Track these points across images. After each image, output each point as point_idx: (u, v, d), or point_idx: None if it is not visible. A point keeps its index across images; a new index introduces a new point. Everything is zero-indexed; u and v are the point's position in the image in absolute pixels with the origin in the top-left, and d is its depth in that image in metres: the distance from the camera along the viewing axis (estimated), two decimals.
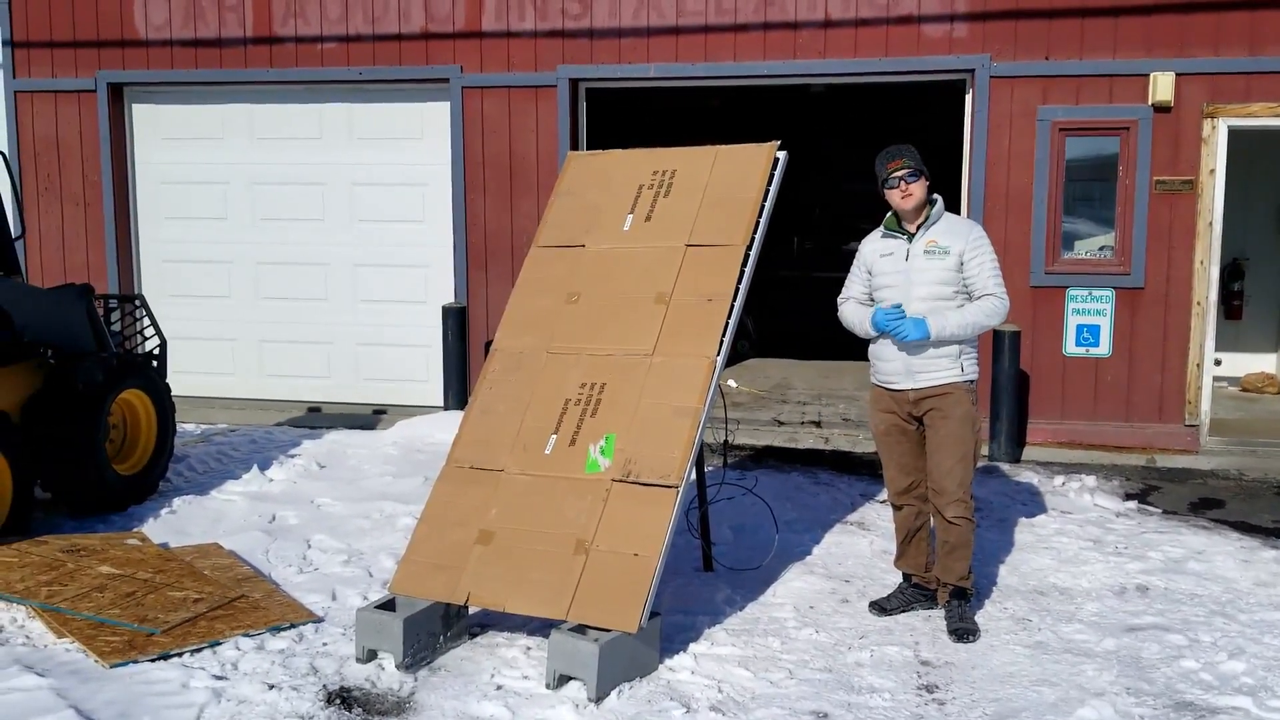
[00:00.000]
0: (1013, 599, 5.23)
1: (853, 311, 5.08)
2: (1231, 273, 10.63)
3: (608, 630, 4.12)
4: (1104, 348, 8.37)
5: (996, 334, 8.12)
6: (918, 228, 4.89)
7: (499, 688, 4.19)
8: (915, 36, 8.45)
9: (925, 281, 4.83)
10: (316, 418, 9.62)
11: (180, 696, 4.06)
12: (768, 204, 5.04)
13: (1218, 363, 10.65)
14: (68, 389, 6.26)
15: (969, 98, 8.49)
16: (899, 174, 4.81)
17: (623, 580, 4.21)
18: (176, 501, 6.71)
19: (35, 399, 6.25)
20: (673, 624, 4.78)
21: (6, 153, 6.57)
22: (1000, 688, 4.26)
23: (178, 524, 6.37)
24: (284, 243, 10.02)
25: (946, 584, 4.92)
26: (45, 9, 9.88)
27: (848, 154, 12.86)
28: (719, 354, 4.69)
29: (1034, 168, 8.32)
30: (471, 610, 4.68)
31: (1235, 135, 8.15)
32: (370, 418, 9.43)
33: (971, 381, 4.93)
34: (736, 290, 4.82)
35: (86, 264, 10.10)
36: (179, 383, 10.16)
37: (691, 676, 4.29)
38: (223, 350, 10.28)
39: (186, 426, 9.06)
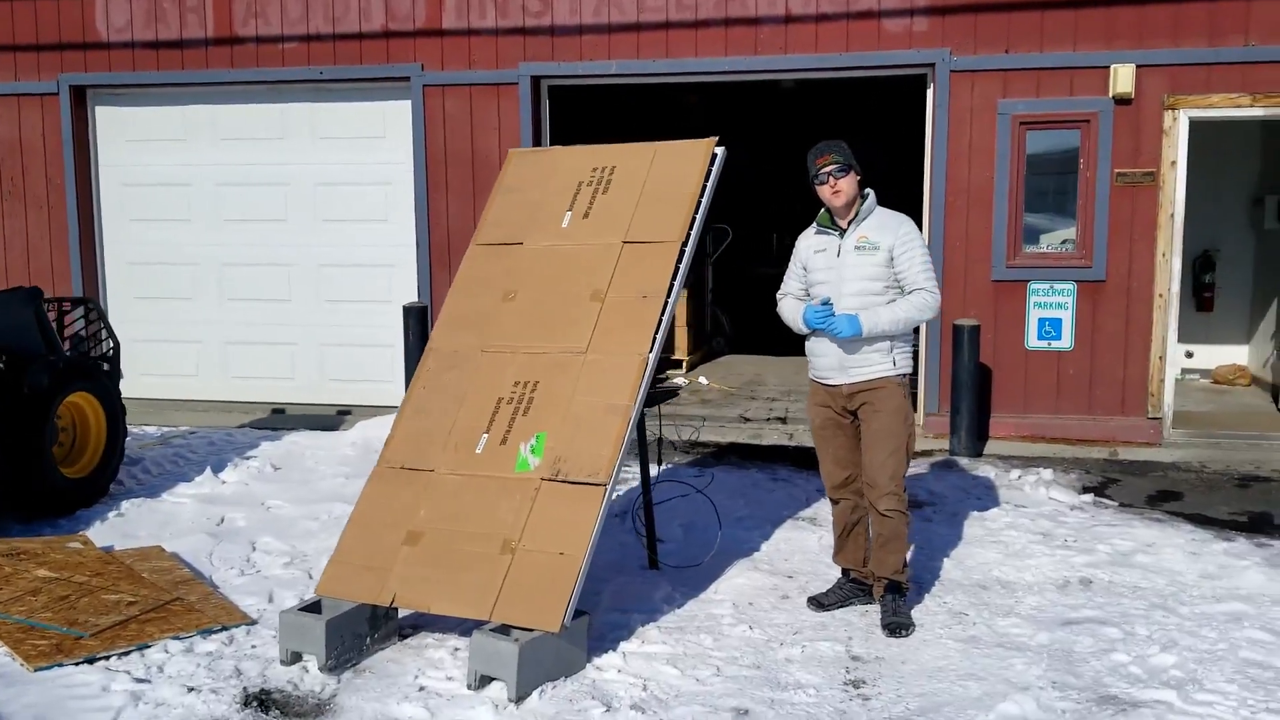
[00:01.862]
0: (954, 593, 5.20)
1: (789, 308, 5.05)
2: (1202, 265, 10.60)
3: (530, 630, 4.09)
4: (1066, 341, 8.35)
5: (955, 328, 8.09)
6: (849, 223, 4.87)
7: (421, 689, 4.16)
8: (876, 31, 8.42)
9: (856, 277, 4.81)
10: (280, 419, 9.59)
11: (99, 700, 4.03)
12: (704, 200, 5.01)
13: (1189, 355, 10.68)
14: (14, 393, 6.22)
15: (930, 92, 8.45)
16: (827, 169, 4.78)
17: (547, 580, 4.17)
18: (126, 504, 6.67)
19: None
20: (607, 622, 4.75)
21: None
22: (927, 682, 4.23)
23: (125, 527, 6.33)
24: (248, 244, 9.98)
25: (881, 578, 4.90)
26: (8, 12, 9.84)
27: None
28: (651, 351, 4.65)
29: (995, 162, 8.29)
30: (404, 612, 4.65)
31: (1197, 126, 8.12)
32: (334, 419, 9.40)
33: (904, 375, 4.91)
34: (671, 287, 4.79)
35: (50, 267, 10.06)
36: (144, 385, 10.23)
37: (618, 675, 4.26)
38: (188, 352, 10.26)
39: (147, 429, 9.03)
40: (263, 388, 10.11)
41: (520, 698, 4.00)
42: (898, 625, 4.75)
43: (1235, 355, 10.60)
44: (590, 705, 4.00)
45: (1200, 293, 10.60)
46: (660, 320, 4.71)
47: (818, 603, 5.00)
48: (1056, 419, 8.42)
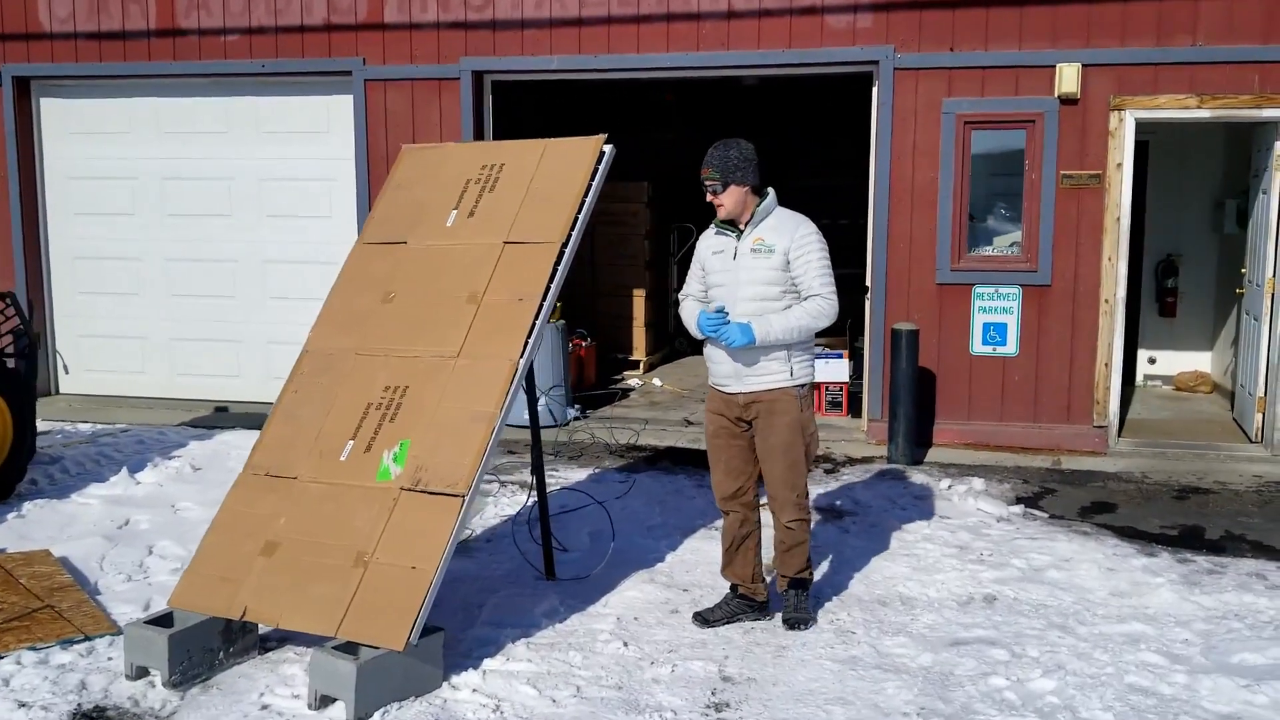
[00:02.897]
0: (850, 609, 5.03)
1: (689, 311, 4.89)
2: (1165, 270, 10.39)
3: (376, 648, 3.93)
4: (1011, 347, 8.15)
5: (894, 332, 7.91)
6: (746, 224, 4.70)
7: (264, 707, 4.00)
8: (819, 28, 8.23)
9: (751, 281, 4.65)
10: (222, 417, 9.44)
11: None
12: (589, 200, 4.84)
13: (1152, 361, 10.49)
14: None
15: (874, 90, 8.26)
16: (705, 183, 4.65)
17: (396, 595, 4.01)
18: (29, 505, 6.54)
19: None
20: (478, 637, 4.59)
21: None
22: (793, 706, 4.05)
23: (23, 528, 6.20)
24: (193, 239, 9.84)
25: (785, 575, 4.84)
26: None
27: (804, 146, 12.66)
28: (522, 355, 4.48)
29: (940, 162, 8.10)
30: (269, 627, 4.49)
31: (1145, 128, 7.92)
32: None
33: (802, 385, 4.74)
34: (548, 289, 4.62)
35: None
36: (91, 382, 10.13)
37: (472, 695, 4.09)
38: (134, 348, 10.12)
39: (81, 427, 8.91)
40: (209, 385, 9.97)
41: (360, 719, 3.84)
42: (797, 620, 4.73)
43: (1198, 361, 10.39)
44: None
45: (1163, 298, 10.39)
46: (535, 324, 4.53)
47: (703, 619, 4.83)
48: (1001, 426, 8.23)
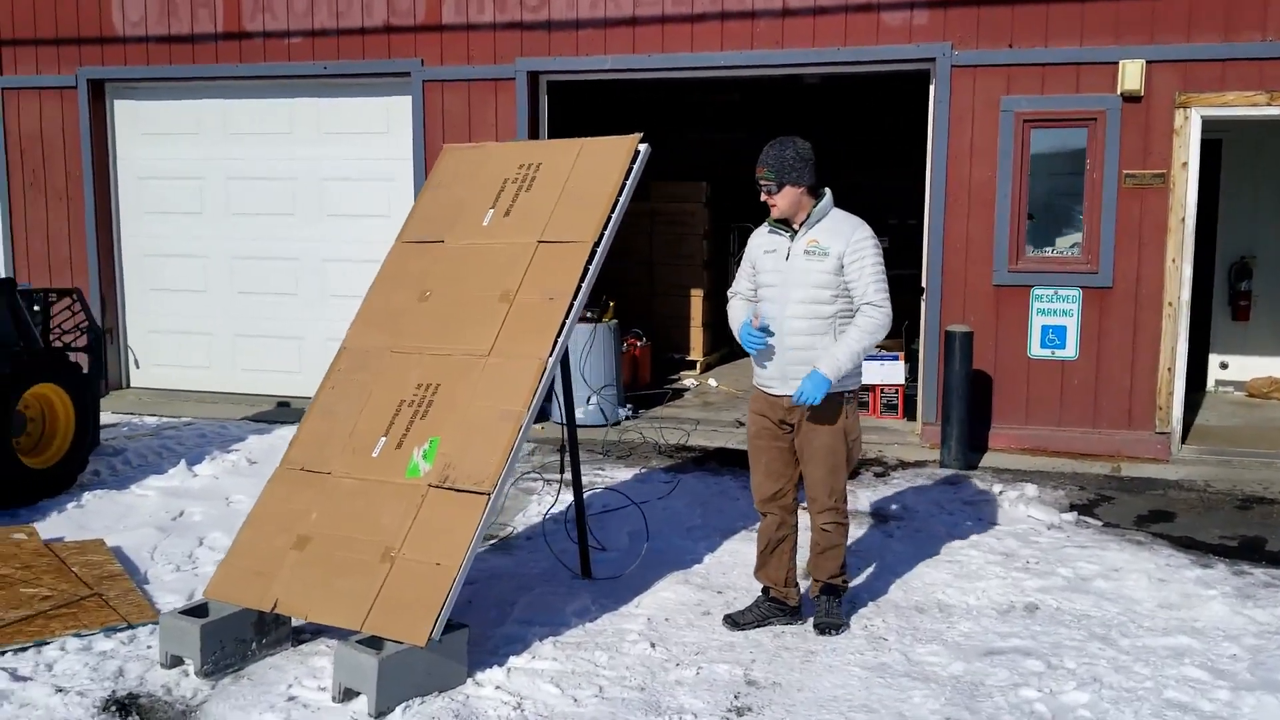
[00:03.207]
0: (885, 615, 4.95)
1: (735, 311, 4.87)
2: (1238, 272, 10.06)
3: (400, 643, 3.97)
4: (1070, 350, 7.96)
5: (948, 334, 7.77)
6: (800, 225, 4.64)
7: (291, 699, 4.07)
8: (875, 25, 8.12)
9: (802, 284, 4.59)
10: (283, 412, 9.62)
11: None
12: (623, 199, 4.83)
13: (1224, 366, 10.17)
14: None
15: (931, 88, 8.12)
16: (760, 182, 4.60)
17: (420, 591, 4.05)
18: (89, 496, 6.73)
19: None
20: (505, 635, 4.61)
21: None
22: (816, 713, 4.00)
23: (81, 518, 6.38)
24: (257, 238, 10.05)
25: (818, 580, 4.80)
26: (30, 7, 10.03)
27: (865, 145, 12.52)
28: (551, 354, 4.49)
29: (997, 161, 7.94)
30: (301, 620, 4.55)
31: (1214, 126, 7.68)
32: None
33: (848, 392, 4.68)
34: (579, 289, 4.62)
35: (69, 258, 10.24)
36: (159, 376, 10.40)
37: (494, 692, 4.11)
38: (200, 344, 10.36)
39: (147, 419, 9.15)
40: (271, 380, 10.16)
41: (380, 713, 3.89)
42: (828, 625, 4.70)
43: (1272, 367, 10.03)
44: None
45: (1236, 301, 10.06)
46: (564, 323, 4.54)
47: (733, 621, 4.80)
48: (1059, 431, 8.04)
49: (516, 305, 4.67)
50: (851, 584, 5.23)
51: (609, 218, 4.77)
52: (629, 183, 4.86)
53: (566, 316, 4.56)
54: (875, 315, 4.54)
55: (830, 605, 4.79)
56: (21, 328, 6.89)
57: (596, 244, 4.71)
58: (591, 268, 4.67)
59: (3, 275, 8.66)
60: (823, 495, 4.69)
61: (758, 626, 4.78)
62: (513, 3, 8.87)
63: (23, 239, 10.33)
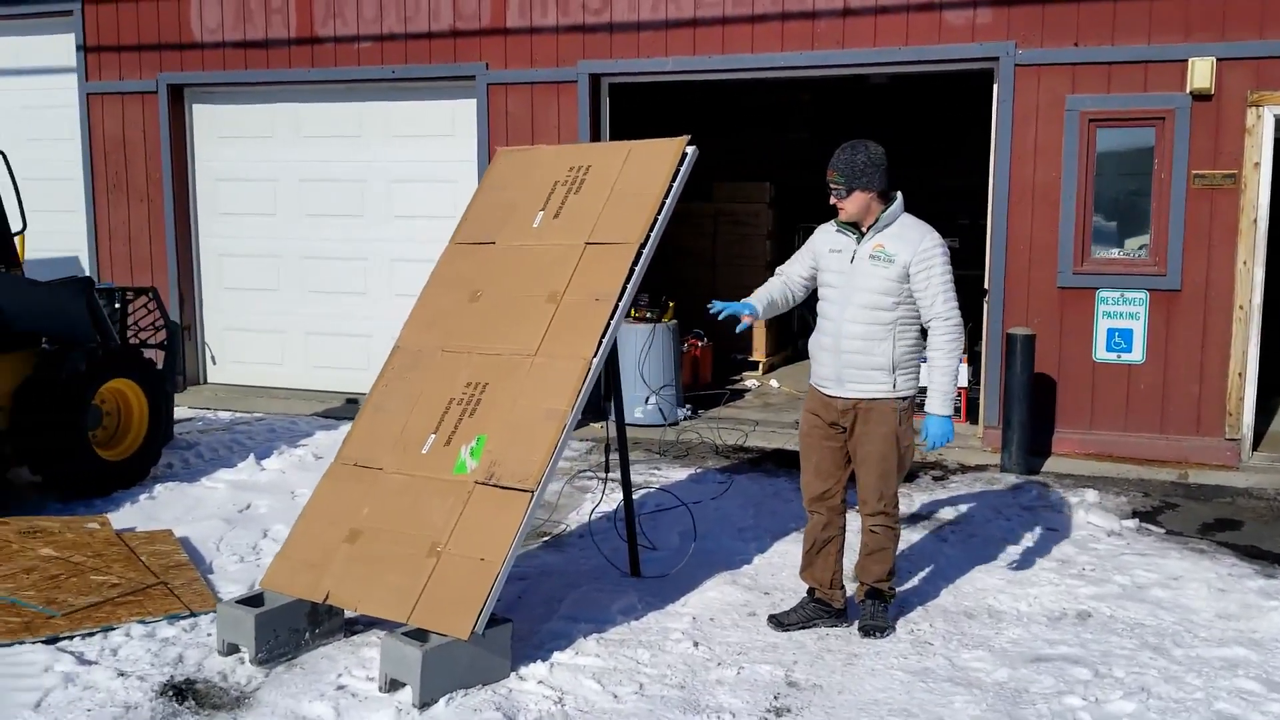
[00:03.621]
0: (933, 620, 4.92)
1: (765, 285, 4.90)
2: None
3: (444, 636, 4.06)
4: (1137, 354, 7.81)
5: (1009, 337, 7.67)
6: (868, 228, 4.63)
7: (340, 688, 4.18)
8: (937, 24, 8.05)
9: (866, 289, 4.58)
10: (351, 409, 9.81)
11: (34, 680, 4.20)
12: (669, 201, 4.88)
13: None
14: (53, 378, 6.56)
15: (995, 88, 8.03)
16: (830, 185, 4.60)
17: (464, 585, 4.13)
18: (160, 487, 6.96)
19: (24, 387, 6.57)
20: (551, 630, 4.68)
21: (5, 151, 6.89)
22: (856, 716, 4.00)
23: (152, 509, 6.60)
24: (327, 238, 10.28)
25: (864, 583, 4.80)
26: (113, 14, 10.39)
27: (932, 145, 12.40)
28: (596, 355, 4.55)
29: (1062, 161, 7.81)
30: (352, 612, 4.68)
31: None
32: None
33: (904, 398, 4.67)
34: (624, 290, 4.67)
35: (150, 258, 10.58)
36: (235, 373, 10.70)
37: (536, 686, 4.18)
38: (273, 342, 10.64)
39: (221, 415, 9.42)
40: (341, 377, 10.39)
41: (425, 704, 3.98)
42: (873, 628, 4.70)
43: None
44: (492, 717, 3.93)
45: None
46: (609, 323, 4.59)
47: (778, 622, 4.81)
48: (1125, 436, 7.88)
49: (563, 306, 4.74)
50: (902, 588, 5.22)
51: (655, 219, 4.81)
52: (676, 184, 4.90)
53: (612, 317, 4.61)
54: (949, 331, 4.54)
55: (875, 608, 4.78)
56: (99, 325, 7.15)
57: (643, 245, 4.76)
58: (637, 269, 4.72)
59: (84, 274, 8.97)
60: (873, 499, 4.70)
61: (802, 628, 4.78)
62: (575, 5, 8.96)
63: (106, 239, 10.70)
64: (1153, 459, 7.77)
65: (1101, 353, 7.89)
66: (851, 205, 4.58)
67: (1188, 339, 7.69)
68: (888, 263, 4.53)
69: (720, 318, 4.72)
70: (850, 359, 4.60)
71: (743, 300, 4.79)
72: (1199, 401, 7.72)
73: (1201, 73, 7.35)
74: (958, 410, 8.85)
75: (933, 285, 4.51)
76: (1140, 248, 7.86)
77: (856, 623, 4.78)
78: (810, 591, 4.89)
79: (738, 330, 4.91)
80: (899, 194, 4.65)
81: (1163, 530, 6.32)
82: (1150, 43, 7.54)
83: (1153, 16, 7.51)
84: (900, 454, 4.69)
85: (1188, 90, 7.44)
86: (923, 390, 4.66)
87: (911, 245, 4.53)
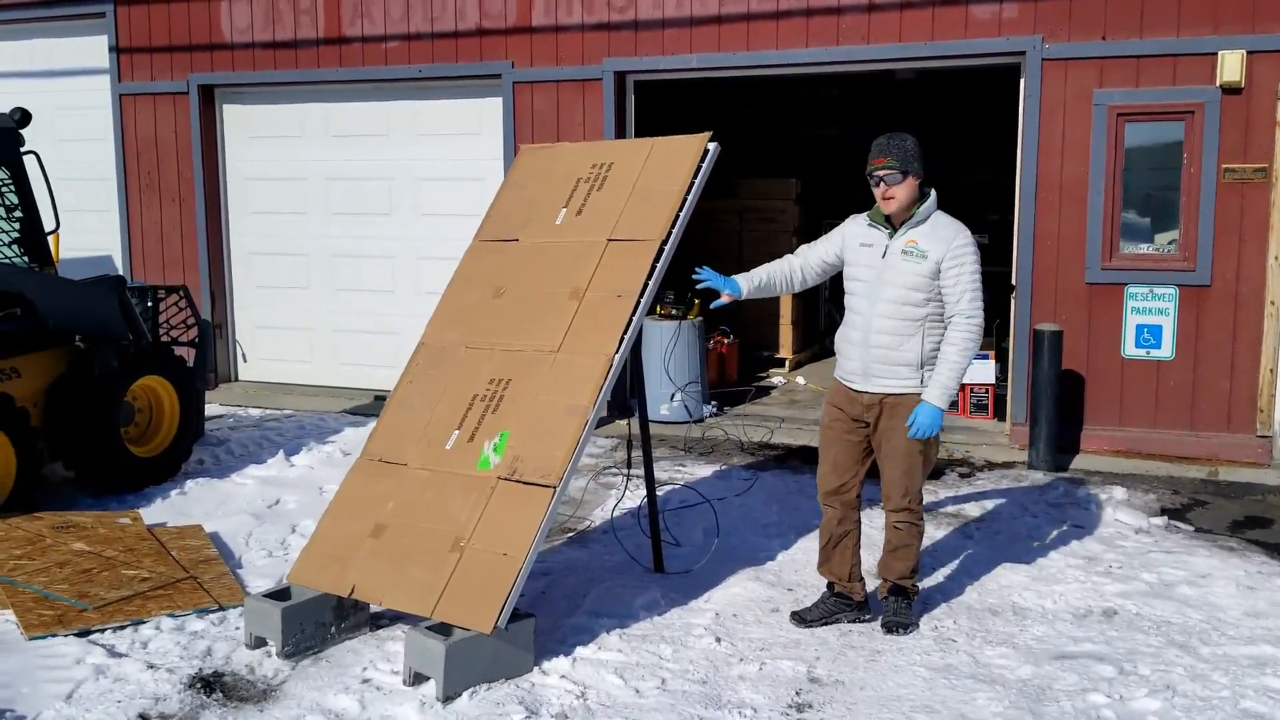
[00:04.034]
0: (957, 616, 4.91)
1: (776, 263, 4.90)
2: None
3: (467, 630, 4.09)
4: (1166, 350, 7.73)
5: (1036, 334, 7.62)
6: (901, 224, 4.62)
7: (365, 681, 4.23)
8: (963, 18, 8.00)
9: (897, 284, 4.56)
10: (378, 406, 9.82)
11: (66, 671, 4.27)
12: (691, 198, 4.89)
13: None
14: (85, 375, 6.66)
15: (1021, 82, 7.97)
16: (880, 173, 4.53)
17: (487, 580, 4.17)
18: (191, 483, 7.04)
19: (58, 384, 6.67)
20: (574, 625, 4.71)
21: (39, 151, 6.99)
22: (877, 711, 4.00)
23: (183, 504, 6.69)
24: (356, 236, 10.36)
25: (887, 580, 4.80)
26: (145, 16, 10.51)
27: (959, 140, 12.33)
28: (618, 351, 4.57)
29: (1090, 156, 7.75)
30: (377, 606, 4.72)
31: None
32: None
33: None
34: (646, 286, 4.69)
35: (181, 257, 10.69)
36: (265, 370, 10.79)
37: (559, 681, 4.21)
38: (302, 339, 10.72)
39: (251, 411, 9.52)
40: (369, 375, 10.46)
41: (448, 698, 4.01)
42: (896, 624, 4.69)
43: None
44: (515, 710, 3.97)
45: None
46: (631, 320, 4.62)
47: (800, 618, 4.82)
48: (1154, 433, 7.82)
49: (586, 302, 4.77)
50: (926, 585, 5.22)
51: (677, 216, 4.82)
52: (698, 181, 4.91)
53: (634, 313, 4.63)
54: (969, 329, 4.50)
55: (899, 605, 4.78)
56: (131, 323, 7.25)
57: (664, 242, 4.78)
58: (659, 265, 4.74)
59: (117, 273, 9.09)
60: (897, 495, 4.69)
61: (824, 623, 4.79)
62: (600, 3, 8.98)
63: (138, 238, 10.82)
64: (1182, 456, 7.70)
65: (1130, 349, 7.82)
66: (902, 192, 4.51)
67: (1218, 335, 7.61)
68: (920, 259, 4.51)
69: (698, 287, 4.74)
70: (878, 354, 4.59)
71: (731, 276, 4.79)
72: (1229, 398, 7.64)
73: (1231, 66, 7.27)
74: (984, 407, 8.82)
75: (962, 282, 4.49)
76: (1170, 243, 7.78)
77: (880, 619, 4.78)
78: (830, 586, 4.90)
79: (713, 306, 4.90)
80: (933, 191, 4.63)
81: (1191, 528, 6.27)
82: (1179, 35, 7.46)
83: (1181, 9, 7.44)
84: (924, 450, 4.68)
85: (1218, 83, 7.36)
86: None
87: (945, 242, 4.51)
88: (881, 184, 4.54)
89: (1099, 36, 7.65)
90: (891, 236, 4.60)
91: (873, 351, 4.60)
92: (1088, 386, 7.97)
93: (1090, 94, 7.70)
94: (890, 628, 4.70)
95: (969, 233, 4.60)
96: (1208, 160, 7.47)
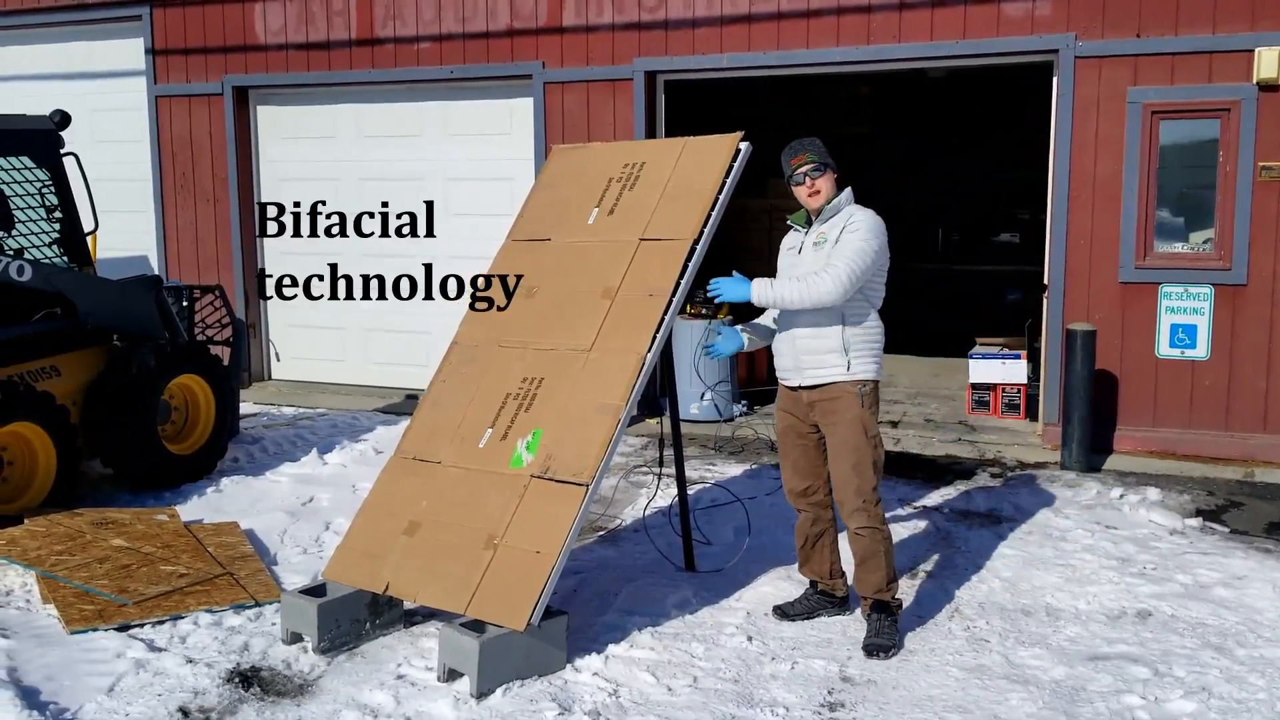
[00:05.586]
0: (990, 617, 4.89)
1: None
2: None
3: (501, 627, 4.13)
4: (1201, 350, 7.67)
5: (1069, 333, 7.58)
6: (816, 219, 4.67)
7: (400, 677, 4.27)
8: (995, 16, 7.96)
9: (805, 275, 4.55)
10: (410, 404, 9.94)
11: (107, 665, 4.34)
12: (723, 197, 4.90)
13: None
14: (123, 373, 6.75)
15: (1054, 80, 7.93)
16: (803, 169, 4.60)
17: (520, 577, 4.20)
18: (227, 481, 7.12)
19: (96, 382, 6.77)
20: (606, 623, 4.74)
21: (78, 153, 7.09)
22: (909, 711, 4.00)
23: (219, 502, 6.77)
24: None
25: (866, 598, 4.63)
26: (180, 19, 10.63)
27: (1002, 140, 12.27)
28: (649, 350, 4.59)
29: (1124, 154, 7.69)
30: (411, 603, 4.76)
31: None
32: None
33: (864, 382, 4.57)
34: (678, 285, 4.71)
35: (216, 256, 10.81)
36: (299, 369, 10.89)
37: (592, 678, 4.23)
38: (335, 339, 10.81)
39: (285, 410, 9.61)
40: (401, 374, 10.54)
41: (482, 694, 4.05)
42: (876, 647, 4.49)
43: None
44: (547, 707, 4.00)
45: None
46: (662, 319, 4.64)
47: (782, 612, 4.88)
48: (1189, 434, 7.75)
49: (618, 301, 4.79)
50: (959, 586, 5.21)
51: (709, 215, 4.84)
52: (730, 181, 4.93)
53: (665, 313, 4.65)
54: (822, 282, 4.41)
55: (881, 623, 4.55)
56: (168, 322, 7.34)
57: (696, 241, 4.79)
58: (691, 265, 4.76)
59: (153, 273, 9.20)
60: (850, 495, 4.54)
61: (807, 618, 4.84)
62: (630, 4, 9.00)
63: (174, 239, 10.95)
64: (1217, 457, 7.64)
65: (1164, 349, 7.76)
66: (824, 184, 4.60)
67: (1254, 334, 7.54)
68: (824, 243, 4.55)
69: (715, 301, 4.72)
70: (804, 344, 4.59)
71: (739, 328, 4.88)
72: (1266, 398, 7.57)
73: (1268, 62, 7.20)
74: (1016, 407, 8.78)
75: (845, 246, 4.45)
76: (1205, 242, 7.71)
77: (862, 640, 4.58)
78: (812, 584, 4.92)
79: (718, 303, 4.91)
80: (848, 187, 4.68)
81: (1227, 529, 6.22)
82: (1215, 33, 7.40)
83: (1217, 6, 7.37)
84: (871, 442, 4.55)
85: (1254, 80, 7.29)
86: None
87: (844, 218, 4.56)
88: (806, 179, 4.61)
89: (1133, 34, 7.60)
90: (807, 233, 4.67)
91: (799, 343, 4.61)
92: (1121, 386, 7.91)
93: (1124, 92, 7.64)
94: (870, 651, 4.46)
95: (872, 213, 4.58)
96: (1244, 158, 7.40)
